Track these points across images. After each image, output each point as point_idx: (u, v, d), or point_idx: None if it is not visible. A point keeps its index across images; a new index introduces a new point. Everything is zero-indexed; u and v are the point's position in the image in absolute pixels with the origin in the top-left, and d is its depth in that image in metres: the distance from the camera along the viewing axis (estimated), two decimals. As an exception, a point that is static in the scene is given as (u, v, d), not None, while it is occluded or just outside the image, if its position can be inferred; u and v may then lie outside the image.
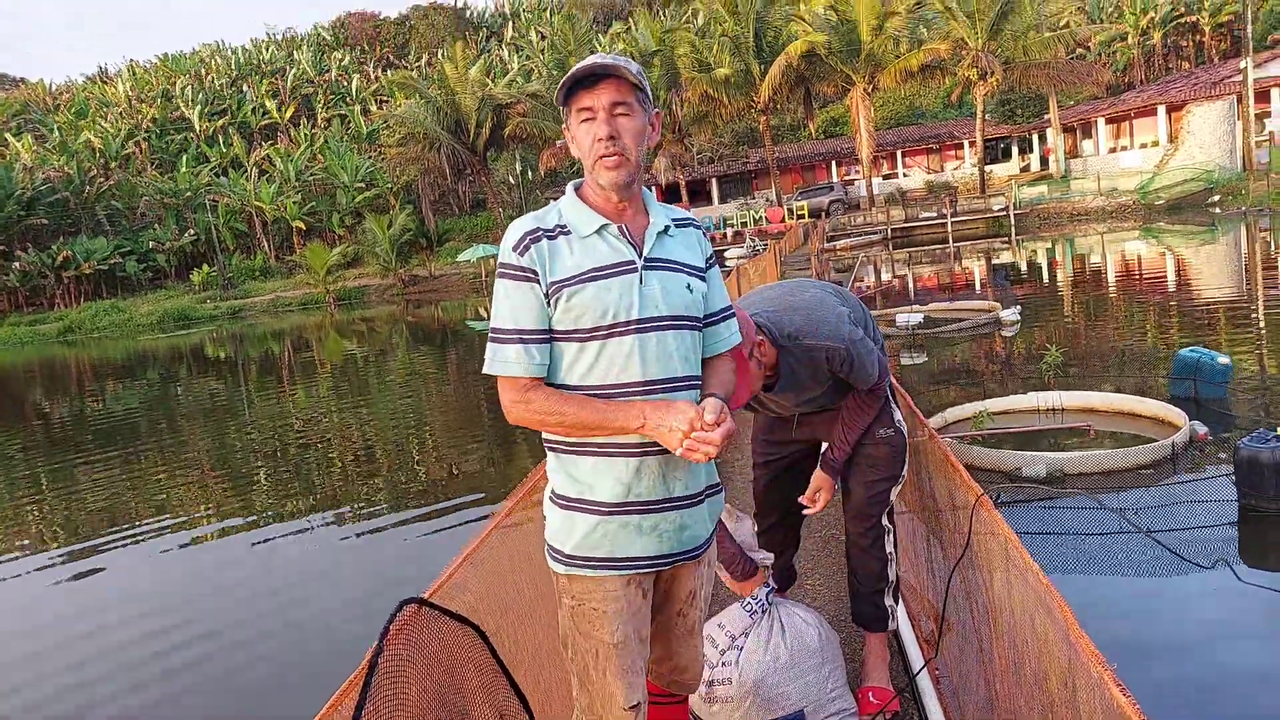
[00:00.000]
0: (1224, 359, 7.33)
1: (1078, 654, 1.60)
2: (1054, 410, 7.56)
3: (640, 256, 1.72)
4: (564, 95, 1.71)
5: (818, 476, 2.83)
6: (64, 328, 48.86)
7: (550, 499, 1.81)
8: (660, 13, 57.19)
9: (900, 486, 2.89)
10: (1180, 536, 5.15)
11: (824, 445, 3.02)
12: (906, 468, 2.89)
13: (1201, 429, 6.39)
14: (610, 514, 1.72)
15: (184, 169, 58.78)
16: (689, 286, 1.77)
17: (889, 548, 2.85)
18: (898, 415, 2.84)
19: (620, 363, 1.68)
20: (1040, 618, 1.91)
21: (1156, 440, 6.40)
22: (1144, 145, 35.68)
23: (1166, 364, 9.15)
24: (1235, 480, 5.37)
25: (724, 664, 2.67)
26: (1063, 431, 7.18)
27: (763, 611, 2.70)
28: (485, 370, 1.71)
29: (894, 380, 3.75)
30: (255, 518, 8.75)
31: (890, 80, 36.97)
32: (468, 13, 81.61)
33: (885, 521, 2.84)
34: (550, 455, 1.82)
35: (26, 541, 8.88)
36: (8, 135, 66.17)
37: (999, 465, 6.35)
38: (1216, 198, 28.84)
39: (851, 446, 2.77)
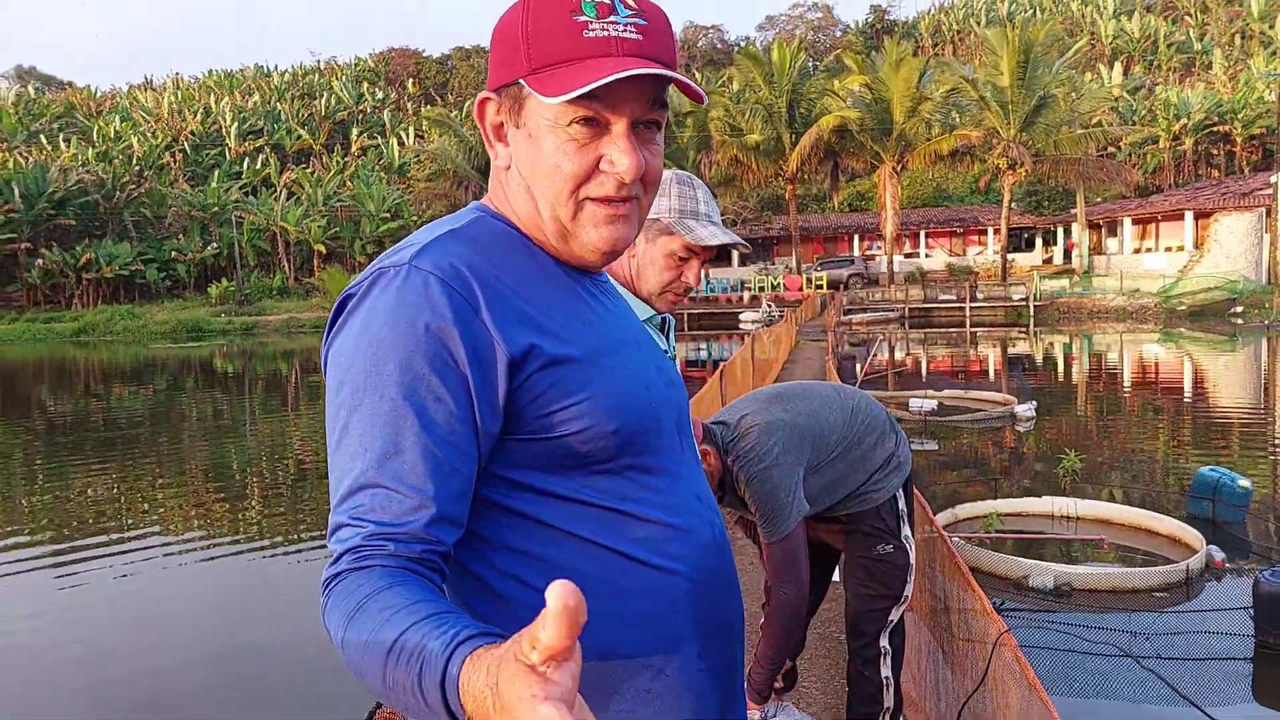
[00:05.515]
0: (1245, 482, 7.14)
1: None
2: (1068, 518, 7.37)
3: None
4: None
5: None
6: (78, 328, 49.16)
7: None
8: (695, 75, 58.21)
9: (903, 607, 2.73)
10: (1190, 669, 4.93)
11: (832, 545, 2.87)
12: (910, 588, 2.73)
13: (1219, 555, 6.18)
14: None
15: (215, 184, 59.78)
16: None
17: (885, 671, 2.68)
18: (905, 531, 2.67)
19: None
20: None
21: (1171, 562, 6.20)
22: (1169, 249, 35.76)
23: (1181, 477, 8.97)
24: (1253, 615, 5.16)
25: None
26: (1075, 542, 6.99)
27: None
28: None
29: (916, 490, 3.60)
30: (246, 535, 8.63)
31: (919, 161, 37.37)
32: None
33: (884, 642, 2.67)
34: None
35: (13, 541, 8.76)
36: (43, 137, 67.53)
37: (1006, 572, 6.16)
38: (1240, 308, 28.78)
39: (768, 668, 2.56)
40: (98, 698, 5.40)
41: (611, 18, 0.91)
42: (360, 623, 0.74)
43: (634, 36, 0.91)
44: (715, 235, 1.70)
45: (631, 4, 0.93)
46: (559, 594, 0.55)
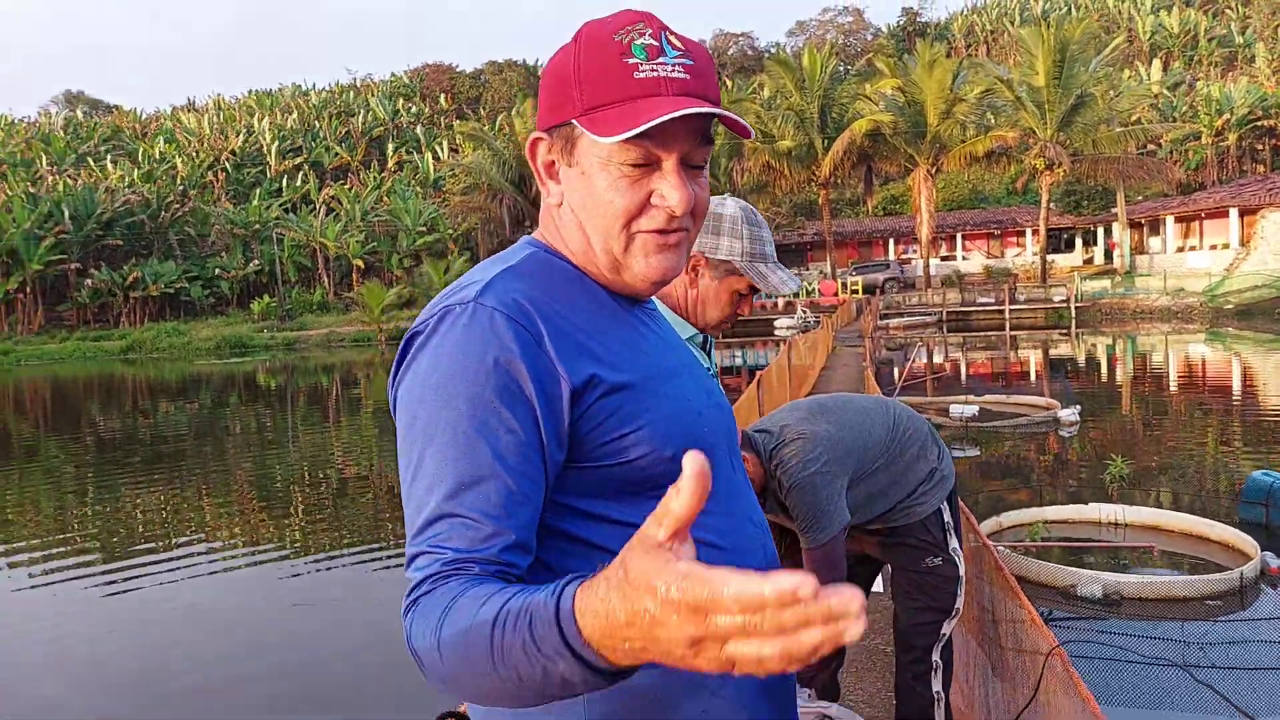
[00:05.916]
0: (1300, 486, 6.97)
1: None
2: (1116, 525, 7.24)
3: None
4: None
5: None
6: (126, 346, 50.32)
7: None
8: (726, 82, 58.20)
9: (954, 621, 2.71)
10: (1245, 680, 4.82)
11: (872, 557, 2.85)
12: (961, 601, 2.71)
13: (1274, 561, 6.03)
14: None
15: (256, 202, 60.94)
16: None
17: (936, 686, 2.66)
18: (954, 544, 2.65)
19: None
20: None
21: (1224, 569, 6.07)
22: (1214, 247, 34.97)
23: (1233, 481, 8.76)
24: (1312, 624, 5.03)
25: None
26: (1123, 550, 6.86)
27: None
28: None
29: (961, 502, 3.58)
30: (290, 545, 8.82)
31: (954, 163, 36.98)
32: (540, 71, 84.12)
33: (935, 657, 2.65)
34: None
35: (64, 549, 9.01)
36: (90, 160, 69.37)
37: (1053, 580, 6.06)
38: (1289, 306, 28.07)
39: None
40: (141, 704, 5.51)
41: (660, 59, 0.93)
42: (454, 619, 0.76)
43: (682, 76, 0.93)
44: (785, 284, 1.80)
45: (678, 44, 0.95)
46: (695, 460, 0.58)
